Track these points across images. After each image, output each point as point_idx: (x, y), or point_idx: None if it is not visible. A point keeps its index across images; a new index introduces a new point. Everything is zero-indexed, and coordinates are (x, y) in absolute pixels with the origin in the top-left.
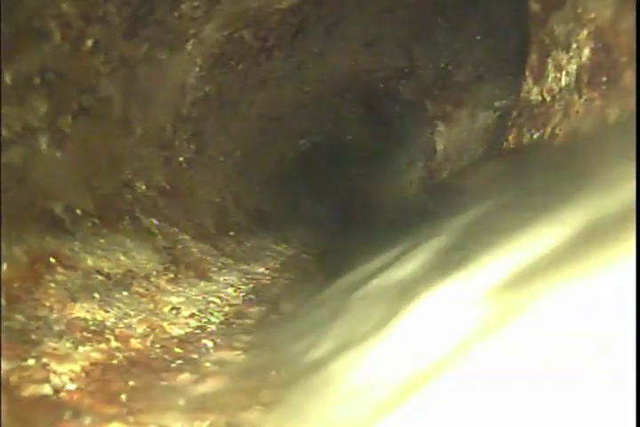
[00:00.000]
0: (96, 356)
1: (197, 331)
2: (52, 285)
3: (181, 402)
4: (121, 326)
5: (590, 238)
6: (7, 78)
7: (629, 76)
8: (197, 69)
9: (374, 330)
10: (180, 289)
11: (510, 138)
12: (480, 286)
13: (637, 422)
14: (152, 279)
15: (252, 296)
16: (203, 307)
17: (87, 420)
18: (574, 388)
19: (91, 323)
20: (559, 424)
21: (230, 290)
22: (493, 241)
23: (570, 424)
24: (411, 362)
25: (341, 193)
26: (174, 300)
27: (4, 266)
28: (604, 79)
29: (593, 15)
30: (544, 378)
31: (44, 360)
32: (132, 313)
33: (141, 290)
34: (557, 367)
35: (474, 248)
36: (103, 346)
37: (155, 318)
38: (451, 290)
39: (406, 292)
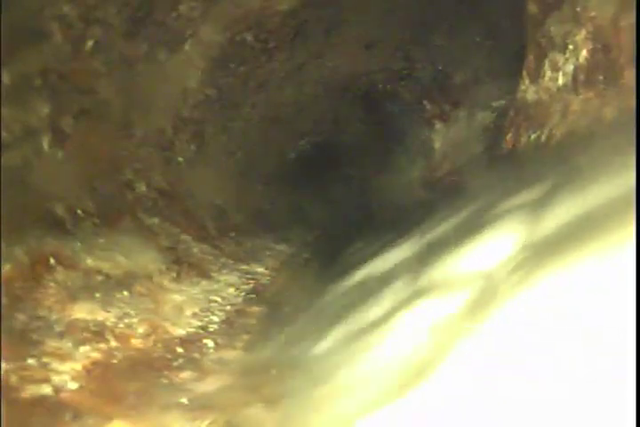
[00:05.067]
0: (97, 355)
1: (199, 330)
2: (53, 285)
3: (182, 401)
4: (121, 325)
5: (581, 232)
6: (7, 79)
7: (628, 75)
8: (199, 73)
9: (369, 327)
10: (183, 288)
11: (508, 137)
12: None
13: (637, 423)
14: (154, 279)
15: (253, 296)
16: (205, 306)
17: (88, 421)
18: (572, 379)
19: (91, 323)
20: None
21: (231, 289)
22: (482, 234)
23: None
24: (400, 357)
25: (341, 192)
26: (177, 298)
27: (6, 266)
28: (601, 78)
29: (593, 13)
30: (537, 369)
31: (45, 360)
32: (133, 313)
33: (143, 290)
34: (552, 358)
35: (464, 240)
36: (103, 346)
37: (156, 318)
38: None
39: (391, 286)
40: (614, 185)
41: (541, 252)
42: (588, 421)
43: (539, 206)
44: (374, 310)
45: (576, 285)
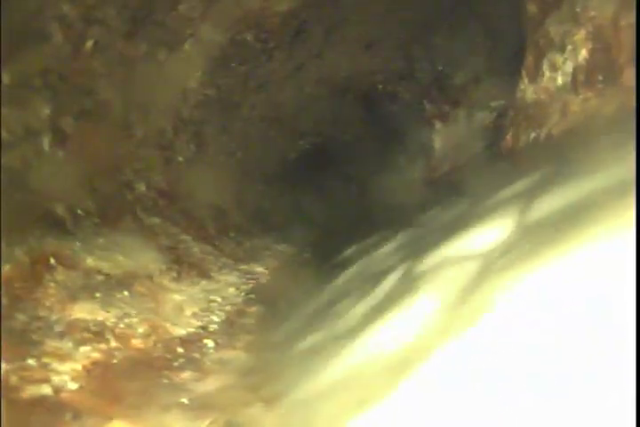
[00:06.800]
0: (97, 356)
1: (199, 330)
2: (53, 285)
3: (182, 400)
4: (121, 325)
5: (576, 219)
6: (7, 79)
7: (627, 75)
8: (199, 73)
9: (365, 320)
10: (183, 288)
11: (508, 137)
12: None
13: (637, 422)
14: (155, 279)
15: (253, 296)
16: (205, 306)
17: (88, 421)
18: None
19: (91, 323)
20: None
21: (231, 289)
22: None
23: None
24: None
25: (341, 192)
26: (177, 298)
27: (6, 266)
28: (601, 78)
29: (593, 13)
30: (532, 360)
31: (45, 360)
32: (134, 313)
33: (143, 290)
34: (547, 348)
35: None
36: (103, 346)
37: (156, 318)
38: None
39: (386, 279)
40: (609, 175)
41: (536, 238)
42: (588, 411)
43: (534, 195)
44: (370, 304)
45: (571, 270)
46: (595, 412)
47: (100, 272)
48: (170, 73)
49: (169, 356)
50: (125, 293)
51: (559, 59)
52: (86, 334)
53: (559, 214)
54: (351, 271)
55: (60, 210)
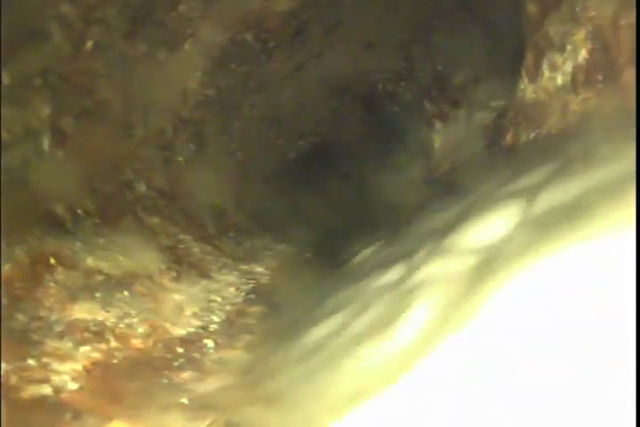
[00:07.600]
0: (97, 356)
1: (199, 330)
2: (53, 285)
3: (182, 400)
4: (121, 325)
5: (575, 215)
6: (7, 79)
7: (627, 75)
8: (199, 73)
9: (365, 317)
10: (183, 288)
11: (508, 136)
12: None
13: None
14: (155, 279)
15: (253, 296)
16: (205, 306)
17: (88, 421)
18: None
19: (91, 323)
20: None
21: (231, 289)
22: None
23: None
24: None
25: (341, 192)
26: (177, 298)
27: (6, 266)
28: (600, 78)
29: (592, 13)
30: (531, 354)
31: (45, 360)
32: (134, 313)
33: (143, 289)
34: (546, 343)
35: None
36: (103, 346)
37: (156, 318)
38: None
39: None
40: (609, 174)
41: (536, 235)
42: (588, 407)
43: (533, 194)
44: (370, 302)
45: (570, 266)
46: (594, 407)
47: (100, 272)
48: (170, 73)
49: (169, 356)
50: (125, 293)
51: (559, 59)
52: (86, 334)
53: (559, 212)
54: (351, 270)
55: (59, 210)
